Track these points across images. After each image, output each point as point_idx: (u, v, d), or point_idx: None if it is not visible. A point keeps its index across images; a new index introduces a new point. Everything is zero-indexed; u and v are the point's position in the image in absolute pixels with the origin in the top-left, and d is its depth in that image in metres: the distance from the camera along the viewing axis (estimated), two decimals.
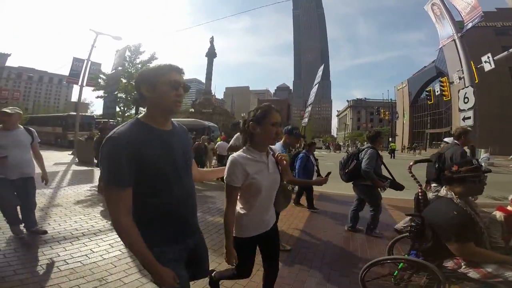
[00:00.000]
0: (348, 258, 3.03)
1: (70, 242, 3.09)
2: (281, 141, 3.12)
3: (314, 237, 3.65)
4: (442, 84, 14.94)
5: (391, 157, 23.81)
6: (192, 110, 38.76)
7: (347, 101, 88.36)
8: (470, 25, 6.98)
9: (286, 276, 2.52)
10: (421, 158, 4.00)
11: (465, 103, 6.34)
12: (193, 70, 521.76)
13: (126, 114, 12.86)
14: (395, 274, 2.13)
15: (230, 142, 4.83)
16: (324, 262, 2.88)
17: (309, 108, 19.36)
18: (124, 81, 12.01)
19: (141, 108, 11.72)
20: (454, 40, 7.60)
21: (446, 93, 14.68)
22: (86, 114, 21.37)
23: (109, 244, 3.06)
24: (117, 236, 1.03)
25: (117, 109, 12.46)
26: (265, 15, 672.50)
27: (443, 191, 2.02)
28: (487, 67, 7.46)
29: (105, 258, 2.74)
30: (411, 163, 2.70)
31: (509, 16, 28.80)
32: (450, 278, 1.85)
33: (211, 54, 41.85)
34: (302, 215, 4.64)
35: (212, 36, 41.98)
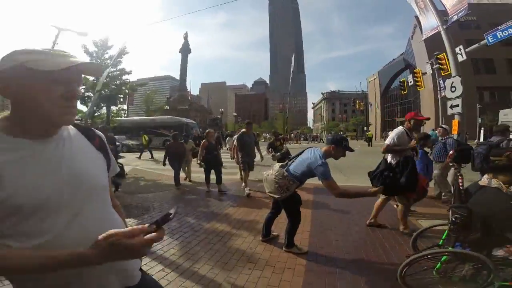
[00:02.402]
0: (371, 254, 2.85)
1: None
2: (322, 150, 2.70)
3: (326, 237, 3.38)
4: (415, 75, 15.60)
5: (368, 146, 24.25)
6: (167, 107, 37.21)
7: (322, 93, 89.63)
8: (455, 17, 7.15)
9: (314, 282, 2.30)
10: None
11: (452, 91, 6.50)
12: (166, 66, 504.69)
13: (96, 114, 11.77)
14: (437, 267, 2.06)
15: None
16: (348, 261, 2.69)
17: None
18: (91, 78, 10.87)
19: (113, 107, 10.81)
20: (439, 32, 7.79)
21: (420, 83, 15.41)
22: None
23: None
24: None
25: (85, 109, 11.38)
26: (241, 11, 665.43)
27: (484, 180, 1.95)
28: (460, 58, 7.79)
29: None
30: (451, 152, 2.63)
31: (472, 10, 30.77)
32: (500, 266, 1.84)
33: (185, 50, 40.44)
34: (303, 216, 4.05)
35: (186, 32, 40.70)
